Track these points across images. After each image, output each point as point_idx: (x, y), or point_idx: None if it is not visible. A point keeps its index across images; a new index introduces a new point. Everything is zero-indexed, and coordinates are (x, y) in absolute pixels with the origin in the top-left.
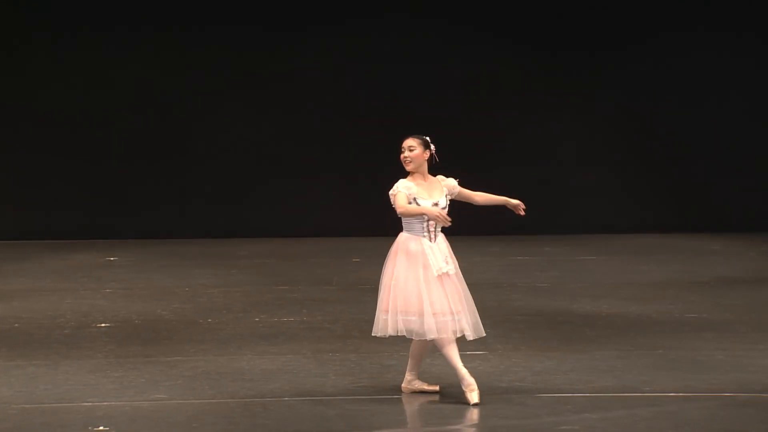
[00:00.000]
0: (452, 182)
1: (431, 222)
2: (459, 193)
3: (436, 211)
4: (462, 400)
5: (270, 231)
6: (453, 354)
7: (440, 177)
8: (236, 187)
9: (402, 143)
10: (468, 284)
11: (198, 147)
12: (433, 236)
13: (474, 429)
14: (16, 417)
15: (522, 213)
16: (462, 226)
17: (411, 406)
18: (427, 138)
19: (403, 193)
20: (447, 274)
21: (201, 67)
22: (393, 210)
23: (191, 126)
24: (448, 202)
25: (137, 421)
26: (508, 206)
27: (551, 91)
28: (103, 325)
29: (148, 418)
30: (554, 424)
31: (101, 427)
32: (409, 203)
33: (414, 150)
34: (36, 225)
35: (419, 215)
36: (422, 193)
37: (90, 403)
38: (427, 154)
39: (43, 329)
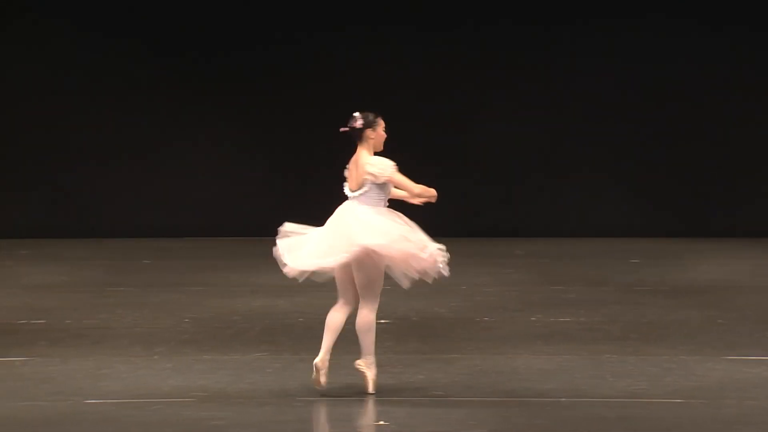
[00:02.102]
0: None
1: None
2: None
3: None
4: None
5: (547, 230)
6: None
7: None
8: (510, 186)
9: (382, 124)
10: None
11: (475, 147)
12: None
13: None
14: (300, 409)
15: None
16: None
17: (691, 410)
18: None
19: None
20: None
21: (478, 66)
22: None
23: (468, 123)
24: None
25: (415, 417)
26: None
27: None
28: (382, 321)
29: (425, 415)
30: None
31: (381, 422)
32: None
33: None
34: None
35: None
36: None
37: (371, 398)
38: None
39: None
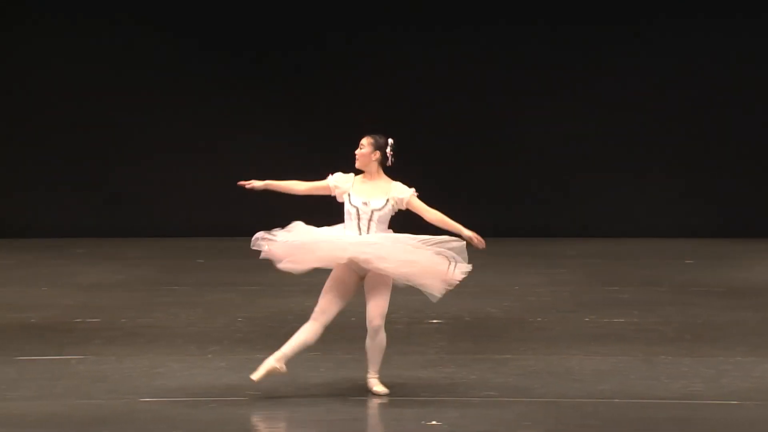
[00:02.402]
0: (403, 193)
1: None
2: (409, 204)
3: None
4: None
5: (600, 231)
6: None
7: (397, 184)
8: (564, 186)
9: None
10: None
11: (529, 146)
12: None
13: None
14: (349, 408)
15: (480, 246)
16: None
17: (747, 411)
18: (387, 140)
19: (331, 180)
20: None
21: (534, 65)
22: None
23: (521, 122)
24: (390, 207)
25: (467, 417)
26: (463, 236)
27: None
28: (434, 321)
29: (478, 415)
30: None
31: (434, 422)
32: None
33: (362, 149)
34: None
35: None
36: (358, 190)
37: (423, 398)
38: (376, 155)
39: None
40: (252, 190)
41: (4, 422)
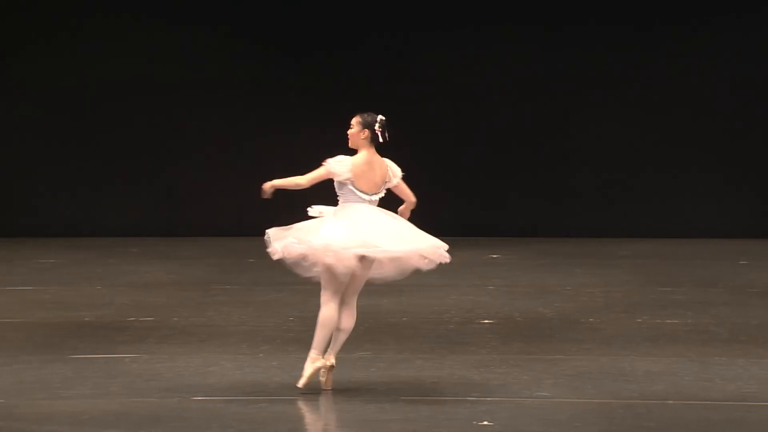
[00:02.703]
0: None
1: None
2: (396, 187)
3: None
4: None
5: (653, 231)
6: None
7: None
8: (617, 186)
9: None
10: None
11: (582, 147)
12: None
13: None
14: (405, 408)
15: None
16: None
17: None
18: (375, 117)
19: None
20: None
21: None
22: None
23: (575, 123)
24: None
25: (519, 418)
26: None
27: None
28: (486, 321)
29: (530, 415)
30: None
31: (485, 422)
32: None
33: (352, 128)
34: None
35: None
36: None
37: (474, 398)
38: (365, 134)
39: (429, 324)
40: (267, 196)
41: (60, 420)
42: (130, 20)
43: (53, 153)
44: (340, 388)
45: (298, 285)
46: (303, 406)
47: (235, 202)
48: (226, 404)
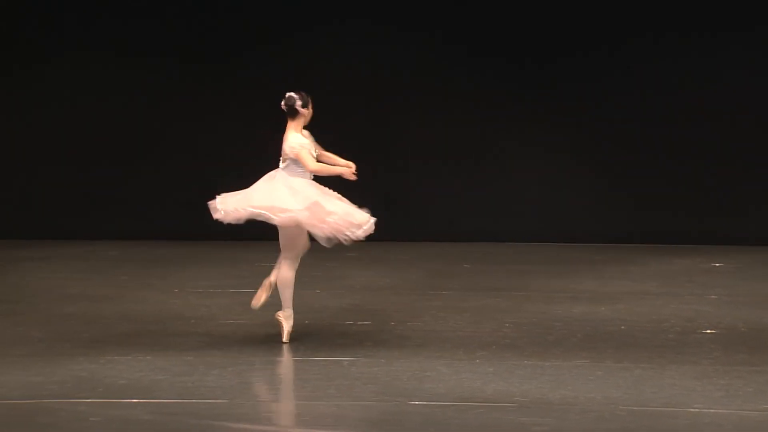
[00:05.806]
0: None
1: None
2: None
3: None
4: None
5: None
6: None
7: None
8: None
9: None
10: None
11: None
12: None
13: None
14: (624, 418)
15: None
16: None
17: None
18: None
19: (306, 150)
20: None
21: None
22: None
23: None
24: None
25: (743, 431)
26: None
27: None
28: (708, 331)
29: (755, 429)
30: None
31: None
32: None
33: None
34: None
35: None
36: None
37: (696, 410)
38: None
39: (647, 333)
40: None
41: (279, 421)
42: (335, 23)
43: None
44: (556, 396)
45: (513, 291)
46: (518, 413)
47: (448, 207)
48: (443, 409)
